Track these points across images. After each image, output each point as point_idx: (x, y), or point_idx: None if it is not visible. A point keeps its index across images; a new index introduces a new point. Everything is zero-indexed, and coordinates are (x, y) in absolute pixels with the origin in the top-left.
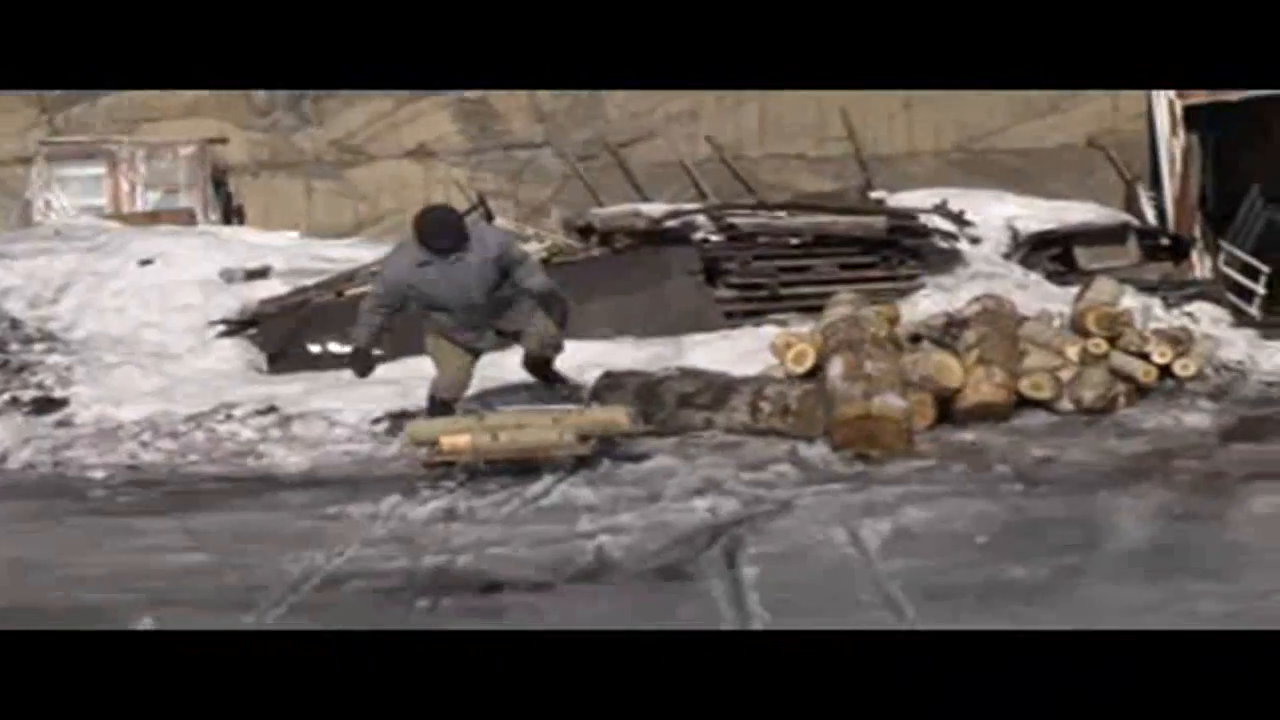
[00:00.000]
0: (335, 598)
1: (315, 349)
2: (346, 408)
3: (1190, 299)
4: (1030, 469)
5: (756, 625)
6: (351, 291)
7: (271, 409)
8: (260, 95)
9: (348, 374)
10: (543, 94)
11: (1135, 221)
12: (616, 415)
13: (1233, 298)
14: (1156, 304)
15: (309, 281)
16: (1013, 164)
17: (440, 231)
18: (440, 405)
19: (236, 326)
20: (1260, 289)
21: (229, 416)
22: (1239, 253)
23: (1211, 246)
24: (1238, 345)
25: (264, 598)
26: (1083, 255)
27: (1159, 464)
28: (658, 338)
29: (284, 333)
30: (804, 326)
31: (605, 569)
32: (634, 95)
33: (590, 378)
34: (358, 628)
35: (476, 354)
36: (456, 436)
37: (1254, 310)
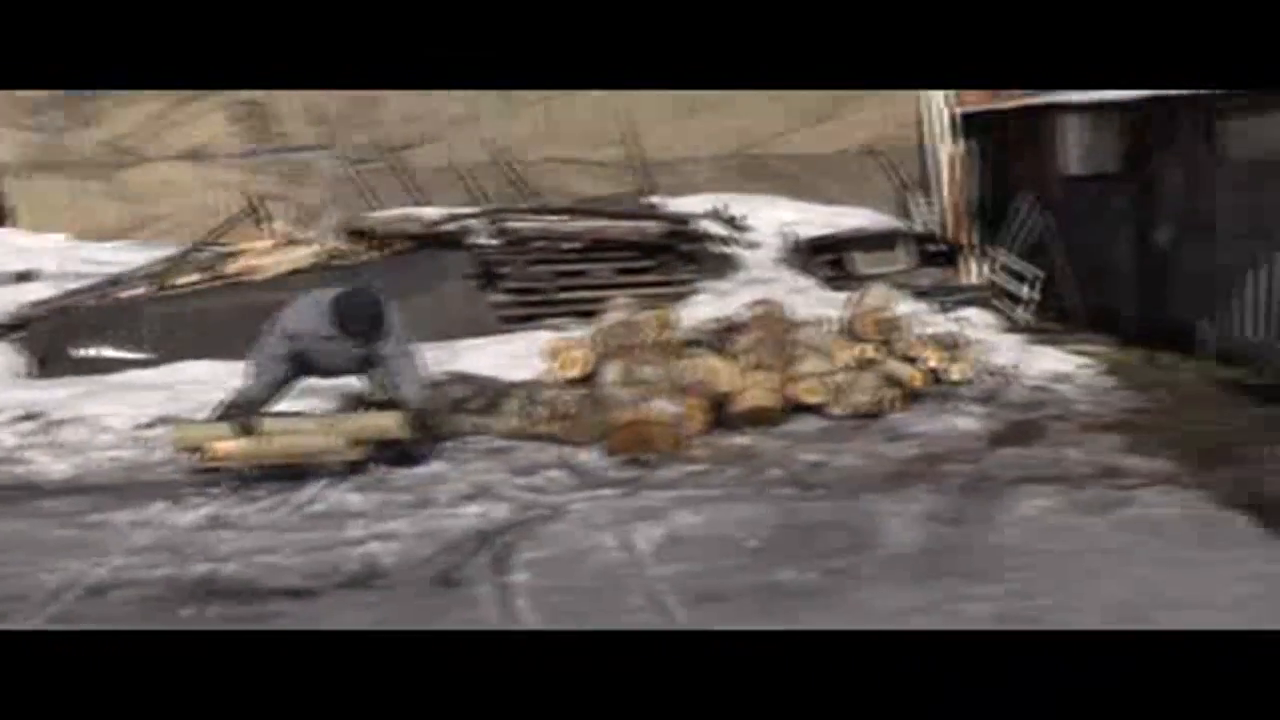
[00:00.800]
0: (97, 608)
1: (83, 353)
2: (114, 413)
3: (962, 305)
4: (802, 473)
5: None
6: (122, 295)
7: (36, 414)
8: (31, 94)
9: (116, 378)
10: (321, 96)
11: (908, 227)
12: (387, 421)
13: (1003, 304)
14: (928, 309)
15: (78, 285)
16: (790, 170)
17: (360, 321)
18: (234, 412)
19: (2, 330)
20: (1029, 294)
21: None
22: (1010, 259)
23: (983, 253)
24: (1007, 350)
25: (20, 608)
26: (857, 261)
27: (929, 468)
28: (433, 342)
29: (51, 336)
30: (579, 331)
31: (374, 576)
32: (412, 98)
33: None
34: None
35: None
36: (226, 441)
37: (1024, 315)
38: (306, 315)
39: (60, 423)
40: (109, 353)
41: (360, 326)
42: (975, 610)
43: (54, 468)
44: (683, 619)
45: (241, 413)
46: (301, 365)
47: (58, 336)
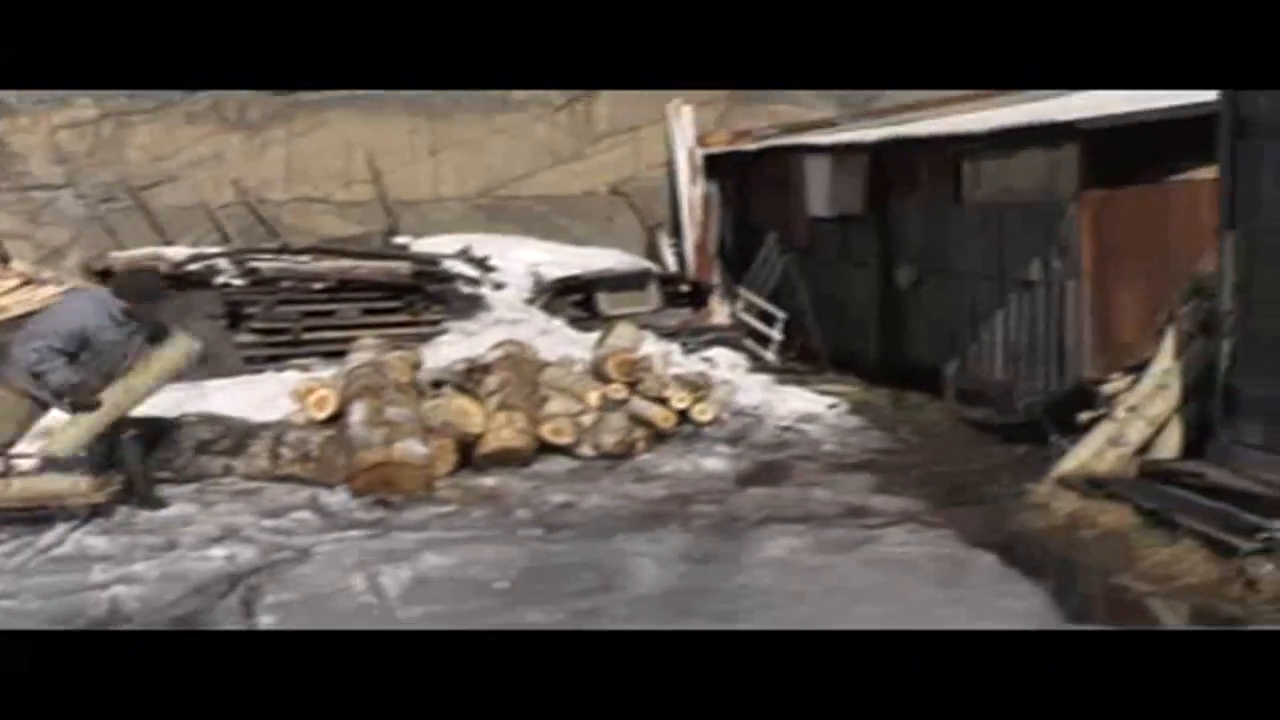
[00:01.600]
0: None
1: None
2: None
3: (709, 345)
4: (550, 514)
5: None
6: None
7: None
8: None
9: None
10: (63, 134)
11: (656, 268)
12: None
13: (750, 344)
14: (676, 350)
15: None
16: (537, 210)
17: (148, 293)
18: (78, 397)
19: None
20: (776, 335)
21: None
22: (757, 299)
23: (730, 293)
24: (754, 390)
25: None
26: (605, 301)
27: (677, 508)
28: (175, 383)
29: None
30: (326, 372)
31: (118, 620)
32: (158, 137)
33: None
34: None
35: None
36: None
37: (770, 356)
38: (81, 304)
39: None
40: None
41: (147, 303)
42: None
43: None
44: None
45: (85, 395)
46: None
47: None
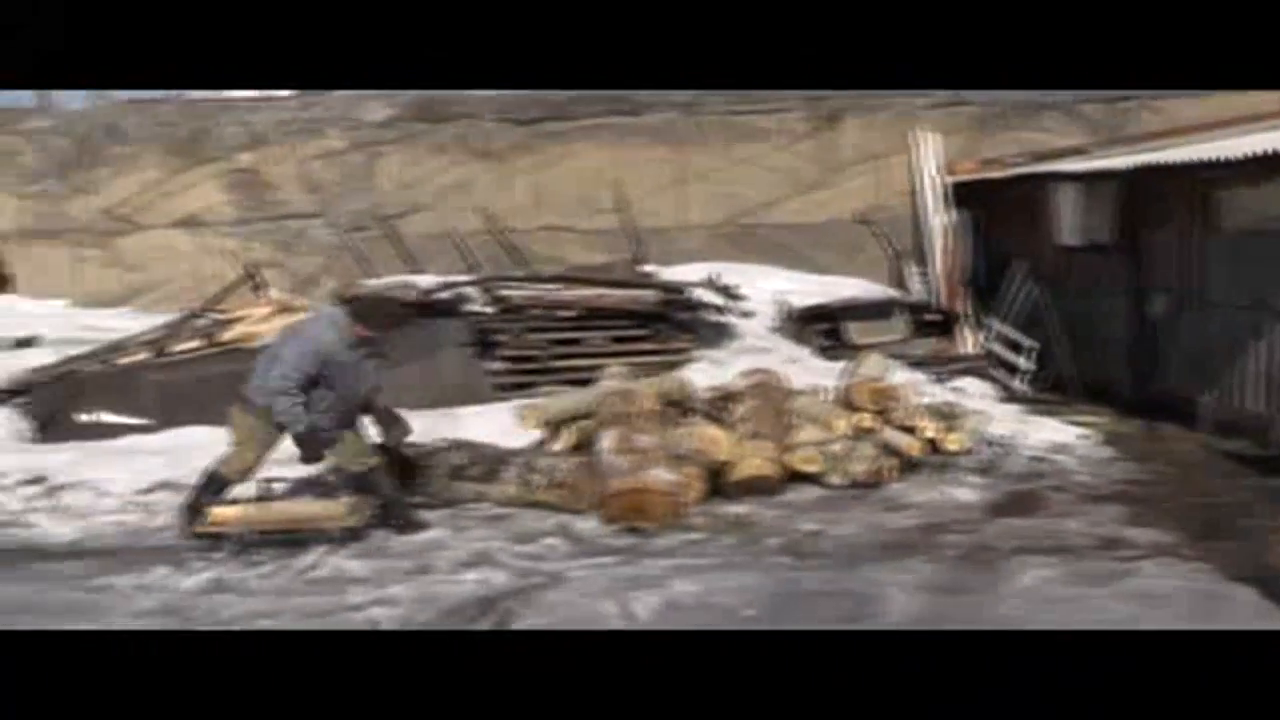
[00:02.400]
0: None
1: (85, 418)
2: (115, 477)
3: (958, 374)
4: (799, 542)
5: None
6: (122, 361)
7: (39, 478)
8: (29, 162)
9: (117, 443)
10: (315, 164)
11: (903, 296)
12: (329, 507)
13: (999, 373)
14: (925, 379)
15: (78, 350)
16: (782, 239)
17: (385, 316)
18: (218, 483)
19: (5, 395)
20: (1026, 364)
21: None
22: (1006, 328)
23: (979, 322)
24: (1005, 420)
25: None
26: (852, 330)
27: (927, 538)
28: (430, 409)
29: (53, 401)
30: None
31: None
32: (407, 165)
33: None
34: None
35: (277, 439)
36: (226, 508)
37: (1020, 385)
38: (320, 330)
39: (63, 487)
40: (110, 418)
41: (385, 319)
42: None
43: (57, 531)
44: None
45: (311, 448)
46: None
47: (59, 401)
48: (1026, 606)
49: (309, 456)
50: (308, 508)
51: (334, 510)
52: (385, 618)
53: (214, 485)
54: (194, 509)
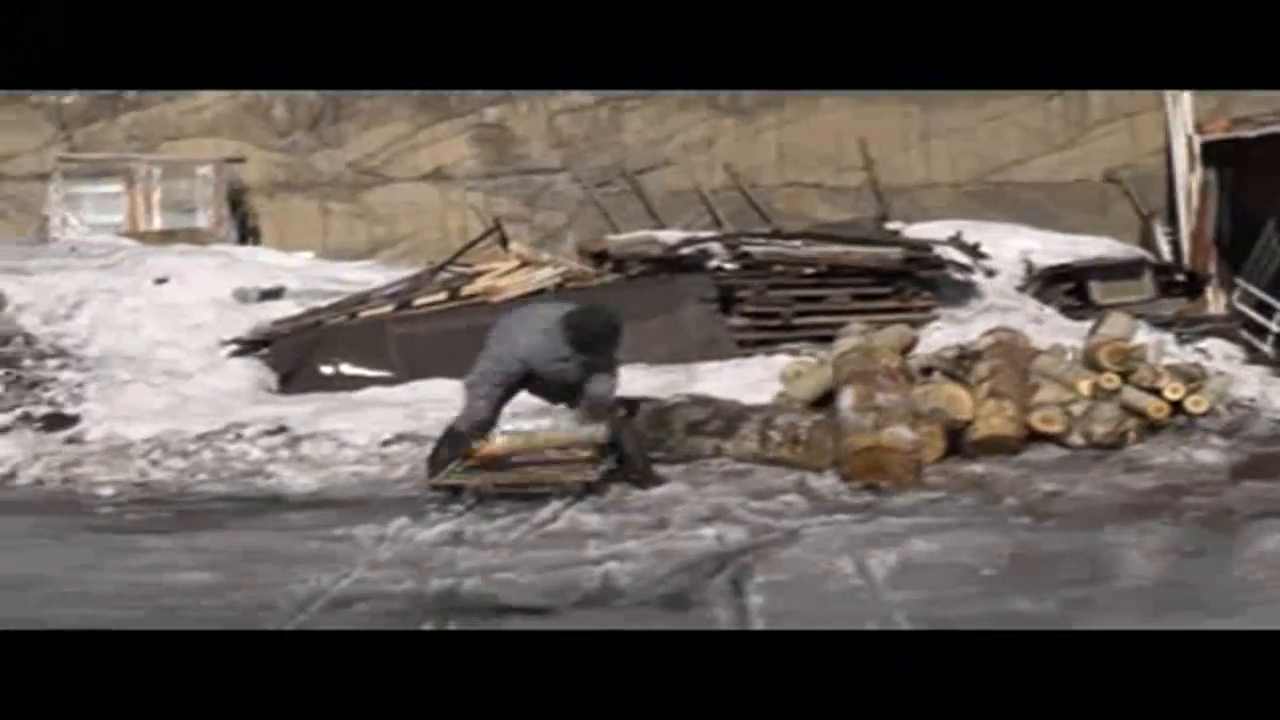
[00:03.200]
0: (341, 619)
1: (327, 370)
2: (356, 429)
3: (1204, 335)
4: (1038, 502)
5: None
6: (365, 314)
7: (281, 429)
8: (280, 115)
9: (359, 395)
10: (561, 119)
11: (1151, 257)
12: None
13: (1247, 335)
14: (1170, 340)
15: (323, 303)
16: (1029, 197)
17: (597, 337)
18: (458, 439)
19: (249, 346)
20: (1276, 326)
21: (238, 436)
22: (1255, 289)
23: (1227, 283)
24: (1251, 382)
25: (270, 618)
26: (1097, 290)
27: (1169, 500)
28: (671, 364)
29: (296, 353)
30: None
31: (610, 595)
32: (652, 122)
33: None
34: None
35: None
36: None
37: (1268, 348)
38: (536, 337)
39: (305, 438)
40: (352, 370)
41: (597, 341)
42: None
43: (298, 481)
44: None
45: (468, 437)
46: (522, 387)
47: (302, 353)
48: (1269, 570)
49: (448, 455)
50: (547, 461)
51: (573, 465)
52: (620, 572)
53: (454, 440)
54: (437, 463)
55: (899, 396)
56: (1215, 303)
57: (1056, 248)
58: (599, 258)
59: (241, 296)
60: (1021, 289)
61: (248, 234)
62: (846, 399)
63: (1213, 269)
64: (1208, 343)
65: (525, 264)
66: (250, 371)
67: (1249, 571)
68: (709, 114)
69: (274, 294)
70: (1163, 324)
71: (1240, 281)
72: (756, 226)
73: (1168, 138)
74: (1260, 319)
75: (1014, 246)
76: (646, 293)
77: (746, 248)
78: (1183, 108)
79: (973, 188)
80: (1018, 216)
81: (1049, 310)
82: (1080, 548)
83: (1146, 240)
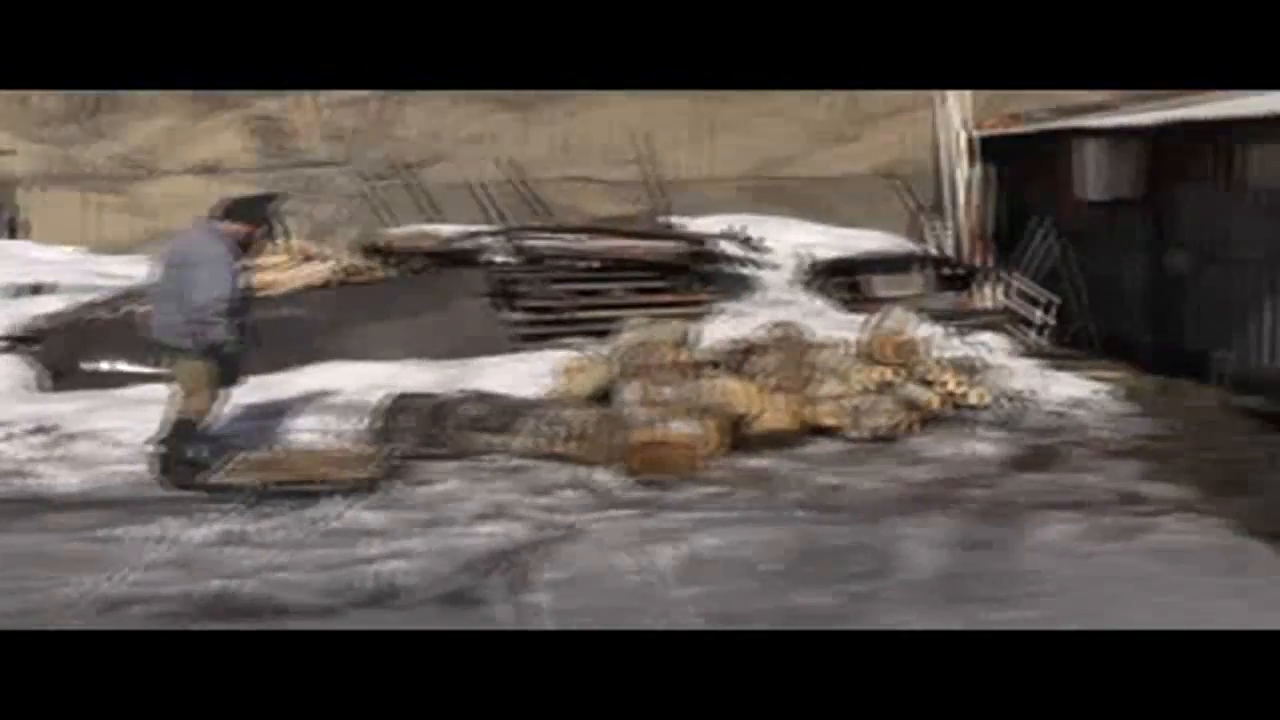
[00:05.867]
0: (115, 622)
1: (96, 366)
2: (125, 428)
3: (977, 329)
4: (821, 496)
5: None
6: (138, 308)
7: (47, 427)
8: (46, 106)
9: (128, 392)
10: (338, 112)
11: (926, 250)
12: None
13: (1017, 329)
14: (944, 333)
15: (92, 298)
16: (805, 191)
17: (259, 210)
18: (187, 429)
19: (14, 342)
20: (1044, 319)
21: (7, 436)
22: (1025, 283)
23: (998, 277)
24: (1024, 375)
25: (36, 623)
26: (874, 283)
27: (948, 492)
28: (448, 360)
29: (67, 349)
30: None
31: (392, 594)
32: (431, 114)
33: (378, 399)
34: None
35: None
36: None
37: (1038, 340)
38: (222, 244)
39: (72, 436)
40: (122, 366)
41: (259, 213)
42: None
43: (65, 481)
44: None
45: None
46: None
47: (70, 349)
48: (1048, 561)
49: (233, 377)
50: (322, 459)
51: (348, 461)
52: (402, 571)
53: (184, 432)
54: (173, 459)
55: (680, 391)
56: (986, 297)
57: (832, 241)
58: (376, 252)
59: (6, 291)
60: (799, 283)
61: (15, 228)
62: (628, 393)
63: (985, 263)
64: (981, 336)
65: (302, 258)
66: (13, 369)
67: (1029, 562)
68: (489, 107)
69: (40, 289)
70: (937, 317)
71: (1013, 275)
72: (533, 221)
73: (941, 133)
74: (1030, 312)
75: (790, 241)
76: (425, 287)
77: (526, 241)
78: (954, 104)
79: (749, 182)
80: (793, 211)
81: (826, 304)
82: (863, 541)
83: (918, 235)
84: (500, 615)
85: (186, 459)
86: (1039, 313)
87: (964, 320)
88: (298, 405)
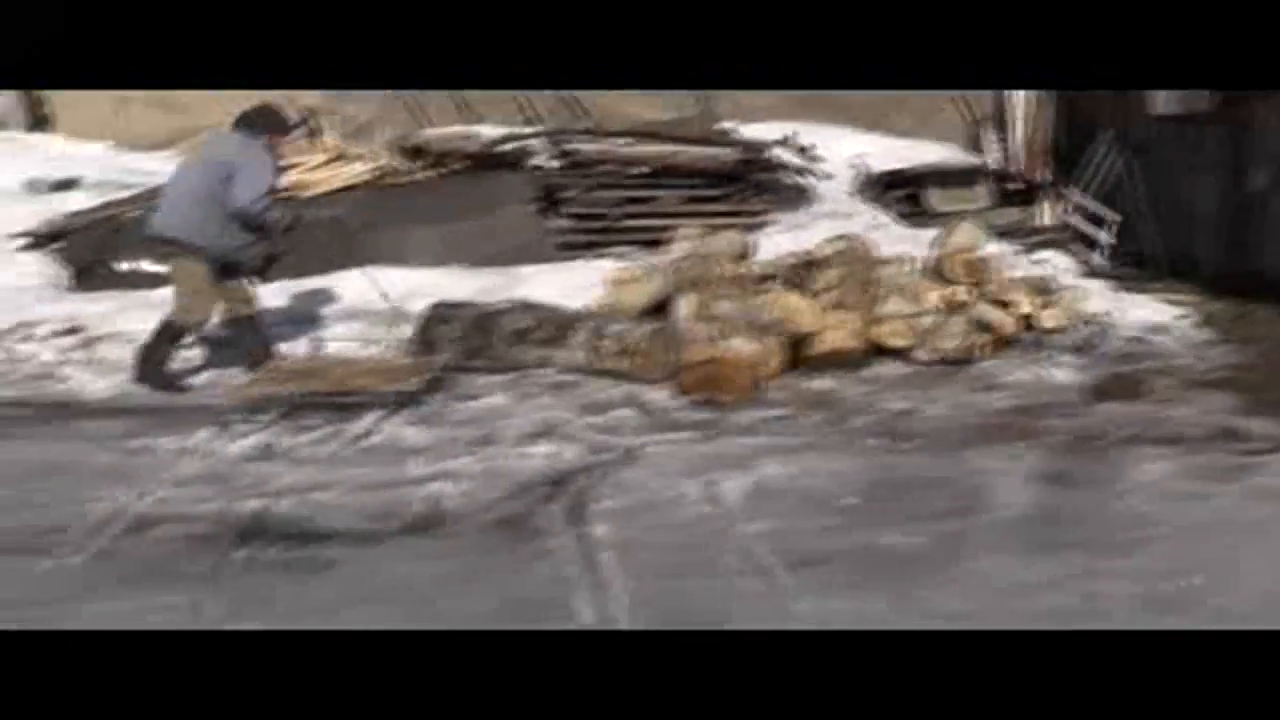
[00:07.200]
0: (143, 544)
1: (125, 266)
2: None
3: (1036, 247)
4: (892, 423)
5: (617, 589)
6: None
7: (75, 329)
8: None
9: (157, 293)
10: None
11: (988, 164)
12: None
13: (1077, 247)
14: (1011, 251)
15: (120, 195)
16: (853, 101)
17: (281, 118)
18: (175, 332)
19: (41, 240)
20: (1105, 238)
21: (29, 336)
22: (1088, 200)
23: (1058, 194)
24: (1094, 298)
25: (63, 541)
26: (934, 197)
27: (1029, 422)
28: (487, 267)
29: (93, 248)
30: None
31: (438, 520)
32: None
33: (418, 307)
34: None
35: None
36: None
37: (1099, 260)
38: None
39: (100, 338)
40: (151, 267)
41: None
42: (1113, 589)
43: (94, 386)
44: (787, 584)
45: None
46: None
47: (98, 248)
48: (1148, 503)
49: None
50: (360, 368)
51: (388, 372)
52: (449, 495)
53: (171, 334)
54: (153, 360)
55: (737, 306)
56: (1045, 213)
57: (890, 152)
58: (415, 153)
59: (32, 187)
60: (856, 195)
61: (42, 121)
62: (682, 308)
63: (1049, 177)
64: (1041, 254)
65: (337, 157)
66: (41, 267)
67: (1131, 503)
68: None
69: (68, 185)
70: (1000, 234)
71: (1072, 192)
72: (571, 124)
73: None
74: (1092, 230)
75: (845, 151)
76: (465, 191)
77: (571, 146)
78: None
79: (801, 91)
80: (842, 120)
81: (887, 218)
82: (942, 473)
83: (975, 147)
84: (555, 547)
85: (162, 363)
86: (1100, 232)
87: (1025, 238)
88: (333, 311)
